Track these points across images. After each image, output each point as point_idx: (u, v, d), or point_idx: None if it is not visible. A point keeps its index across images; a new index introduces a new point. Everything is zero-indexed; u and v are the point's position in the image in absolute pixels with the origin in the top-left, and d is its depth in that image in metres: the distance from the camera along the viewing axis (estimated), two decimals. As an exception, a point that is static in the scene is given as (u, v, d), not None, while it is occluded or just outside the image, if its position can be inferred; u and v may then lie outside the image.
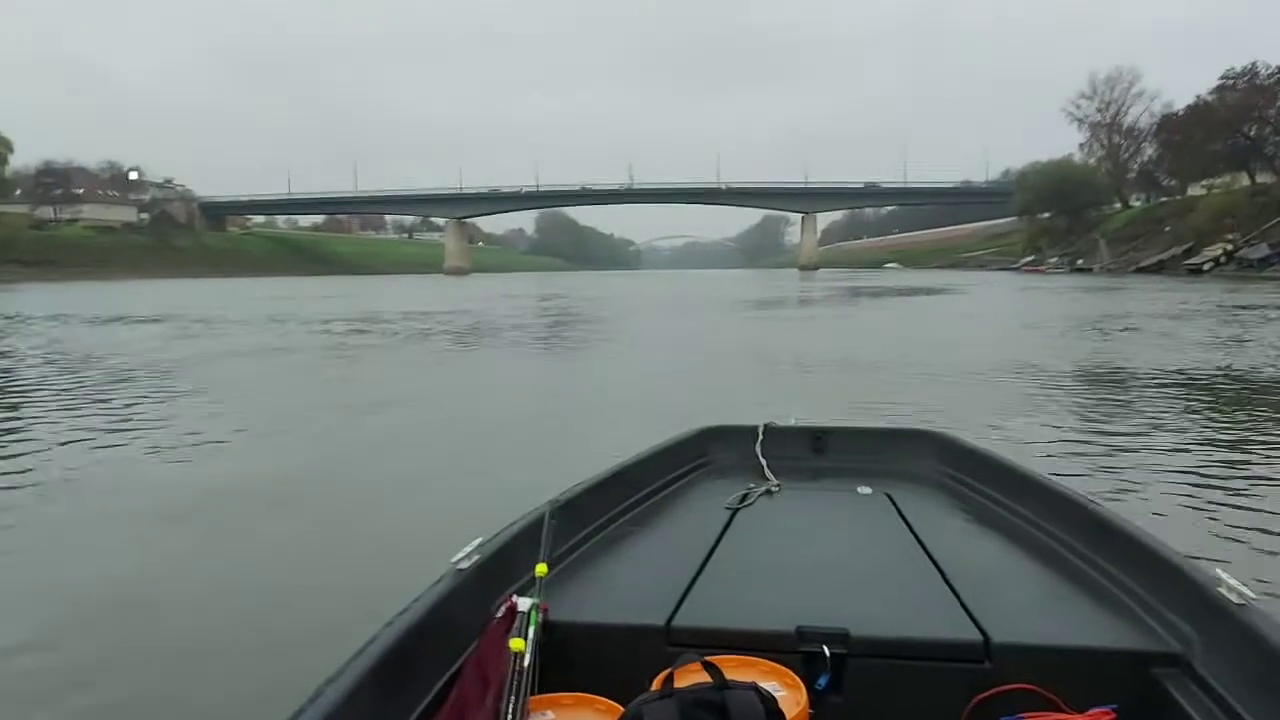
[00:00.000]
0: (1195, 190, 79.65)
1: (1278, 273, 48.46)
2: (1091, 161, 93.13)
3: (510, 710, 1.54)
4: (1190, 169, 74.77)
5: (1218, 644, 1.69)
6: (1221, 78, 70.17)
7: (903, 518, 2.62)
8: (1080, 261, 74.92)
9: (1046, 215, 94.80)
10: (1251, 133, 67.80)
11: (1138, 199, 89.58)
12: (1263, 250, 52.03)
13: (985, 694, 1.71)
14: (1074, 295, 33.88)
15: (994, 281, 54.74)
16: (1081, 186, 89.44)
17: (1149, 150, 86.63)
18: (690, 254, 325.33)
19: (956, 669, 1.78)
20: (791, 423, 3.55)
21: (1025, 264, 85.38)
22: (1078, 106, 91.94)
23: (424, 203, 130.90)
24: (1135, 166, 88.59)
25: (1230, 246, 56.09)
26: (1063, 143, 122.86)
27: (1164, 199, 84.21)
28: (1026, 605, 2.04)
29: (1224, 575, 1.76)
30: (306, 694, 1.44)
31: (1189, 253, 60.71)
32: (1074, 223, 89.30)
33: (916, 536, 2.44)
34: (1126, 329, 17.58)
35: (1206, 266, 55.62)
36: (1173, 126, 74.55)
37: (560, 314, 28.26)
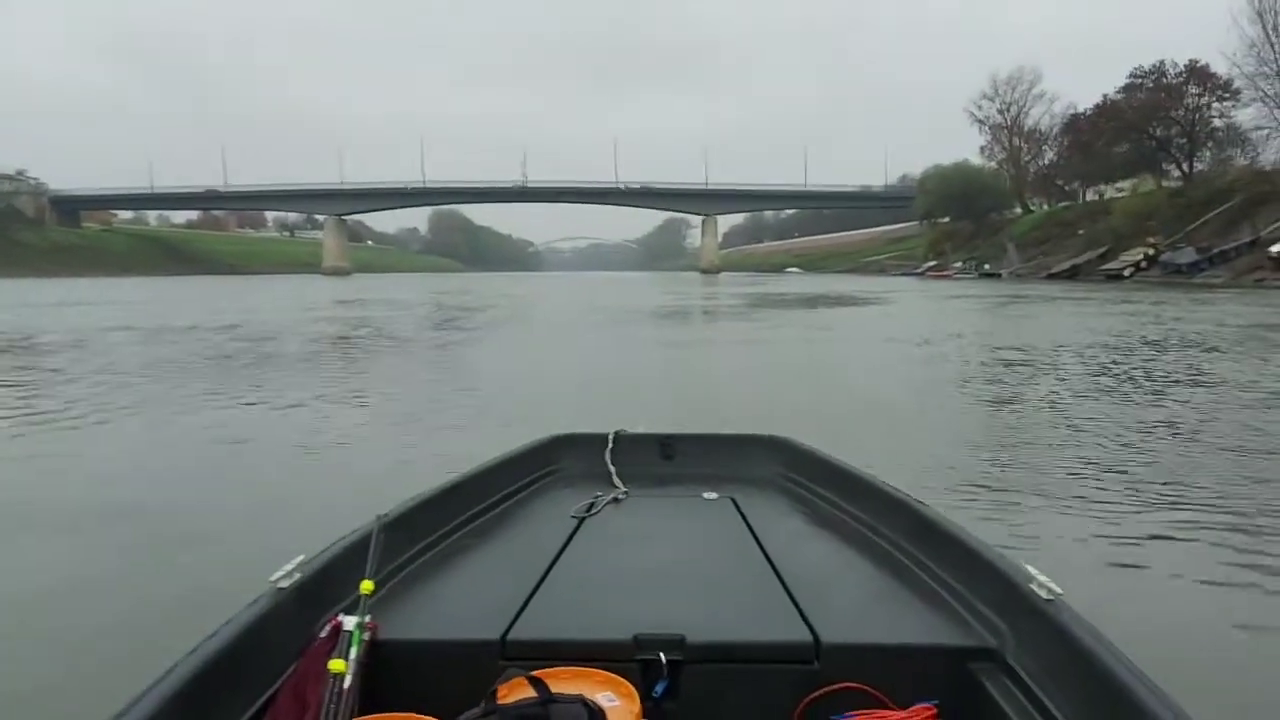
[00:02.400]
0: (1100, 194, 77.93)
1: (1209, 278, 45.04)
2: (993, 165, 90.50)
3: None
4: (1096, 171, 72.43)
5: (1027, 638, 1.75)
6: (1129, 76, 67.80)
7: (745, 522, 2.64)
8: (988, 266, 71.82)
9: (946, 220, 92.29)
10: (1158, 133, 65.32)
11: (1034, 204, 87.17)
12: (1189, 254, 48.62)
13: (814, 694, 1.75)
14: (1002, 307, 29.31)
15: (903, 288, 50.70)
16: (983, 190, 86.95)
17: (1049, 153, 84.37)
18: (592, 256, 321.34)
19: (788, 670, 1.79)
20: (642, 429, 3.50)
21: (928, 269, 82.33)
22: (979, 108, 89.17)
23: (301, 199, 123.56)
24: (1036, 170, 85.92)
25: (1152, 250, 52.83)
26: (962, 149, 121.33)
27: (1066, 203, 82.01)
28: (855, 606, 2.09)
29: (1034, 572, 1.81)
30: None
31: (1104, 257, 57.59)
32: (977, 227, 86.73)
33: (757, 540, 2.46)
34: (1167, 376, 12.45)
35: (1127, 272, 52.27)
36: (1080, 127, 71.77)
37: (375, 328, 22.18)
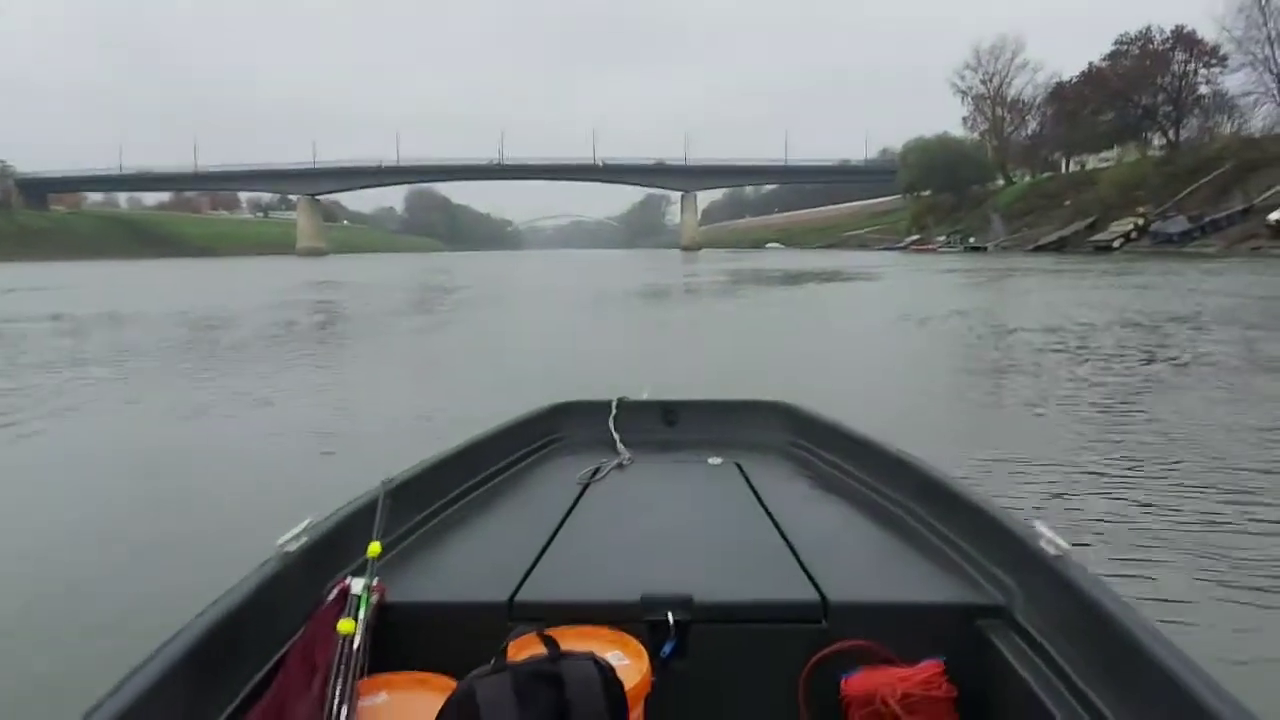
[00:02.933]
0: (1082, 164, 76.58)
1: (1201, 247, 43.77)
2: (975, 136, 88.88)
3: (338, 694, 1.48)
4: (1080, 141, 71.02)
5: (1036, 594, 1.73)
6: (1115, 43, 66.33)
7: (750, 486, 2.64)
8: (972, 240, 70.39)
9: (928, 193, 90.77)
10: (1144, 101, 63.90)
11: (1017, 175, 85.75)
12: (1181, 223, 47.32)
13: (823, 652, 1.75)
14: (998, 281, 27.86)
15: (889, 263, 49.15)
16: (965, 161, 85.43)
17: (1033, 123, 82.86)
18: (573, 234, 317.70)
19: (796, 630, 1.79)
20: (645, 397, 3.48)
21: (911, 243, 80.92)
22: (962, 78, 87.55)
23: (273, 178, 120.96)
24: (1019, 140, 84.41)
25: (1141, 221, 51.47)
26: (944, 121, 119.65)
27: (1048, 174, 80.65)
28: (862, 565, 2.09)
29: (1042, 529, 1.79)
30: (107, 687, 1.31)
31: (1092, 228, 56.24)
32: (960, 199, 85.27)
33: (762, 503, 2.46)
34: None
35: (1117, 243, 50.92)
36: (1065, 95, 70.21)
37: (334, 313, 20.41)
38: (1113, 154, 69.22)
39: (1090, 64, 68.31)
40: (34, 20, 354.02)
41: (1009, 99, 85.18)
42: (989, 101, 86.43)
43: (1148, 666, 1.37)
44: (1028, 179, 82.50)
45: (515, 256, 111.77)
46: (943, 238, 77.10)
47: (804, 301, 22.12)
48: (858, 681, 1.71)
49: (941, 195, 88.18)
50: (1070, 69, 74.78)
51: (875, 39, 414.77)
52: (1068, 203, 63.35)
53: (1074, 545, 1.74)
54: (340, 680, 1.51)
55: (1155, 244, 47.67)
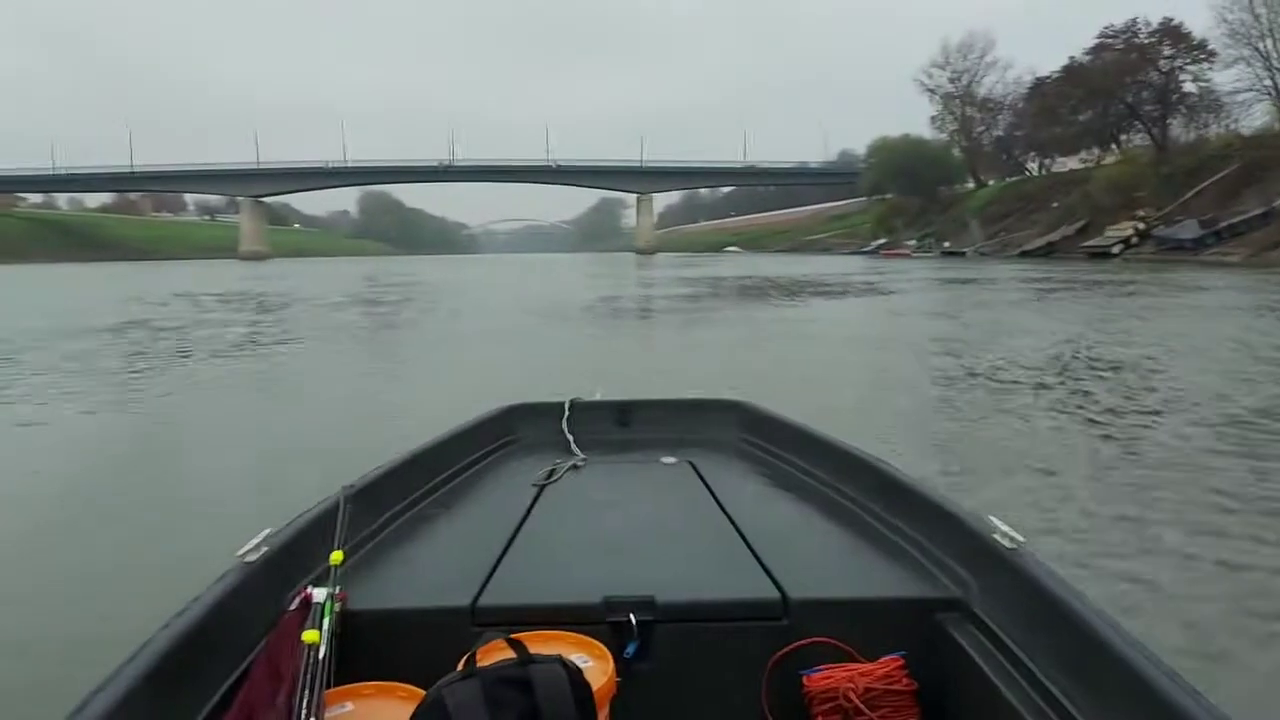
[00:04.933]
0: (1045, 166, 71.24)
1: (1221, 255, 37.67)
2: (943, 136, 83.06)
3: (304, 705, 1.43)
4: (1055, 141, 65.31)
5: (992, 587, 1.72)
6: (1099, 36, 60.36)
7: (705, 484, 2.59)
8: (948, 244, 64.48)
9: (889, 196, 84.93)
10: (1128, 98, 58.08)
11: (988, 178, 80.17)
12: (1192, 229, 41.15)
13: (785, 649, 1.73)
14: (1036, 298, 21.25)
15: (866, 270, 42.93)
16: (932, 163, 79.61)
17: (1004, 122, 77.18)
18: (528, 237, 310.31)
19: (757, 627, 1.77)
20: (597, 397, 3.42)
21: (880, 247, 74.91)
22: (929, 76, 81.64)
23: (215, 179, 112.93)
24: (990, 141, 78.68)
25: (1143, 225, 45.48)
26: (908, 124, 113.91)
27: (1019, 176, 75.10)
28: (821, 562, 2.06)
29: (997, 522, 1.79)
30: (69, 707, 1.28)
31: (1084, 232, 50.34)
32: (928, 202, 79.49)
33: (718, 502, 2.42)
34: None
35: (1116, 249, 44.86)
36: (1045, 92, 64.31)
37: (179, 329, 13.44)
38: (1092, 155, 63.47)
39: (1071, 59, 62.43)
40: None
41: (979, 98, 79.43)
42: (958, 101, 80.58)
43: (1104, 655, 1.38)
44: (1001, 181, 76.94)
45: (466, 261, 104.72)
46: (913, 241, 71.38)
47: (802, 329, 15.37)
48: (820, 678, 1.69)
49: (907, 198, 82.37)
50: (1042, 68, 69.06)
51: (835, 38, 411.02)
52: (1055, 205, 57.30)
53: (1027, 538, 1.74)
54: (307, 691, 1.44)
55: (1162, 250, 41.59)
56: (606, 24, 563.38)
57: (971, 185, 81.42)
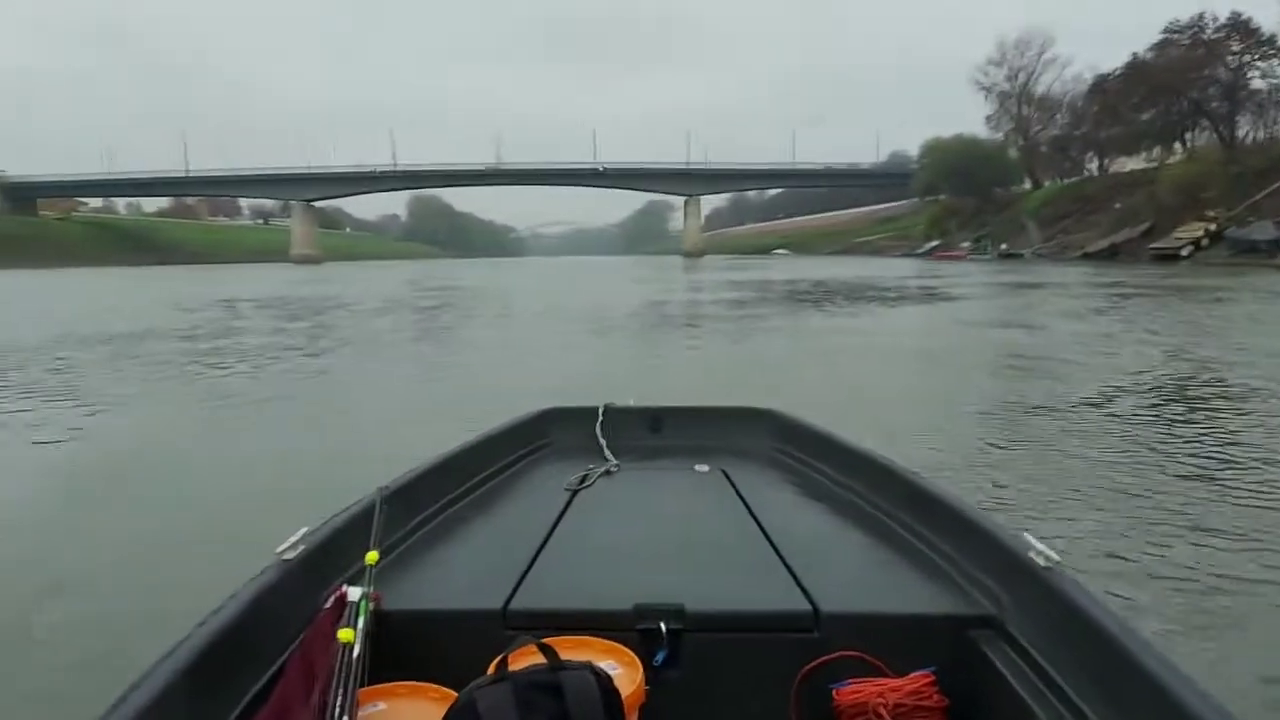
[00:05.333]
0: (1104, 167, 68.62)
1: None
2: (999, 136, 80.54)
3: (338, 703, 1.44)
4: (1117, 140, 62.82)
5: (1026, 605, 1.70)
6: (1163, 32, 57.86)
7: (738, 494, 2.57)
8: (1004, 246, 62.31)
9: (942, 197, 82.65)
10: (1194, 95, 55.48)
11: (1045, 179, 77.57)
12: (1268, 230, 38.83)
13: (815, 662, 1.72)
14: (1125, 307, 19.60)
15: (922, 273, 41.24)
16: (986, 163, 77.25)
17: (1061, 121, 74.55)
18: (575, 240, 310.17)
19: (787, 639, 1.76)
20: (630, 403, 3.40)
21: (934, 249, 72.82)
22: (985, 74, 79.22)
23: (267, 184, 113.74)
24: (1048, 140, 76.06)
25: (1214, 226, 43.19)
26: (962, 124, 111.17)
27: (1080, 176, 72.52)
28: (853, 576, 2.03)
29: (1032, 540, 1.77)
30: (109, 701, 1.29)
31: (1149, 234, 48.09)
32: (982, 203, 77.19)
33: (751, 512, 2.39)
34: None
35: (1185, 251, 42.58)
36: (1107, 89, 61.83)
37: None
38: (1154, 155, 60.88)
39: (1134, 55, 59.97)
40: (33, 21, 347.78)
41: (1036, 96, 76.92)
42: (1014, 99, 78.13)
43: (1139, 677, 1.35)
44: (1058, 181, 74.43)
45: (512, 264, 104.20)
46: (967, 243, 69.28)
47: (885, 344, 14.02)
48: (849, 692, 1.67)
49: (961, 199, 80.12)
50: (1103, 65, 66.65)
51: (888, 38, 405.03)
52: (1118, 206, 54.94)
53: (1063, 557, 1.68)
54: (341, 689, 1.45)
55: (1235, 253, 39.34)
56: (655, 27, 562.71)
57: (1028, 186, 78.99)
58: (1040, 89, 77.07)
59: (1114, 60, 68.26)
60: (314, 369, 11.18)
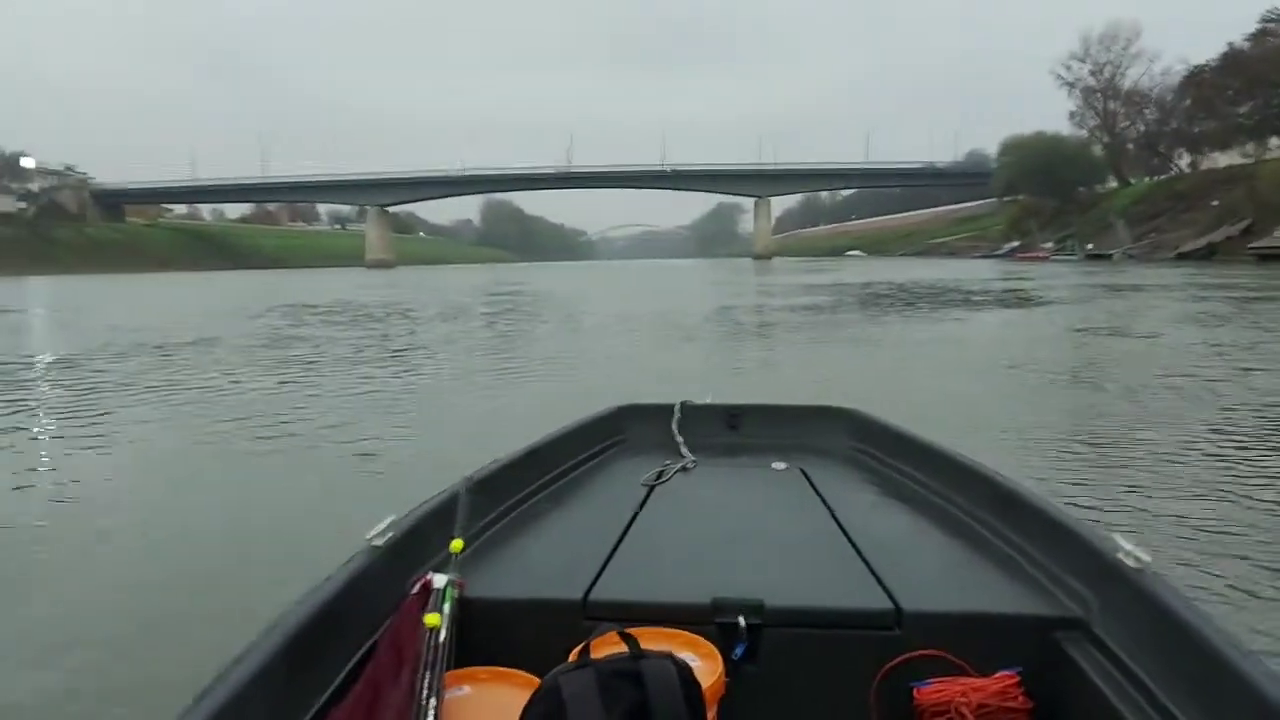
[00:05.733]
0: (1194, 164, 65.11)
1: None
2: (1083, 133, 77.27)
3: (426, 685, 1.48)
4: (1211, 136, 59.50)
5: (1115, 607, 1.66)
6: (1261, 20, 54.66)
7: (816, 492, 2.54)
8: (1090, 246, 59.43)
9: (1021, 197, 79.57)
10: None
11: (1131, 177, 74.08)
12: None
13: (895, 660, 1.69)
14: (1252, 311, 17.64)
15: (1015, 274, 39.06)
16: (1069, 162, 74.13)
17: (1150, 117, 71.09)
18: (644, 244, 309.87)
19: (868, 637, 1.73)
20: (708, 400, 3.36)
21: (1014, 250, 70.02)
22: (1068, 69, 76.11)
23: (341, 189, 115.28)
24: (1135, 137, 72.62)
25: (1325, 224, 40.27)
26: (1041, 120, 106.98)
27: (1163, 175, 69.11)
28: (935, 574, 1.99)
29: (1122, 541, 1.71)
30: (213, 674, 1.35)
31: (1248, 232, 45.16)
32: (1065, 202, 74.09)
33: (830, 510, 2.37)
34: None
35: (1291, 250, 39.85)
36: (1202, 82, 58.57)
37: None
38: (1250, 150, 57.41)
39: (1230, 45, 56.73)
40: (122, 33, 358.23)
41: (1123, 91, 73.47)
42: (1099, 94, 74.81)
43: (1233, 682, 1.32)
44: (1146, 179, 71.01)
45: (582, 268, 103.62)
46: (1050, 244, 66.42)
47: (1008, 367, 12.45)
48: (931, 691, 1.63)
49: (1042, 198, 77.05)
50: (1195, 57, 63.04)
51: (965, 35, 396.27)
52: (1215, 203, 51.88)
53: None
54: (428, 672, 1.49)
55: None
56: (726, 28, 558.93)
57: (1113, 184, 75.66)
58: (1127, 83, 73.87)
59: (1205, 53, 64.62)
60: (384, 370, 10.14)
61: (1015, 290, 26.53)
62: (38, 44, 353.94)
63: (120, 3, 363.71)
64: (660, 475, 2.70)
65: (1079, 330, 14.39)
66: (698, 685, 1.40)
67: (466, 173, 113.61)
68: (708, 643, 1.64)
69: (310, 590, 1.63)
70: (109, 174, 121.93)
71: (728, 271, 58.53)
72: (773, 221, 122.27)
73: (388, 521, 1.89)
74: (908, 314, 18.91)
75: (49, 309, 29.33)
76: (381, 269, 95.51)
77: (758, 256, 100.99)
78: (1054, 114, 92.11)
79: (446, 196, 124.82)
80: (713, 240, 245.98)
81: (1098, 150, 76.77)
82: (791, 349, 13.26)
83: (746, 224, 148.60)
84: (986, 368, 10.15)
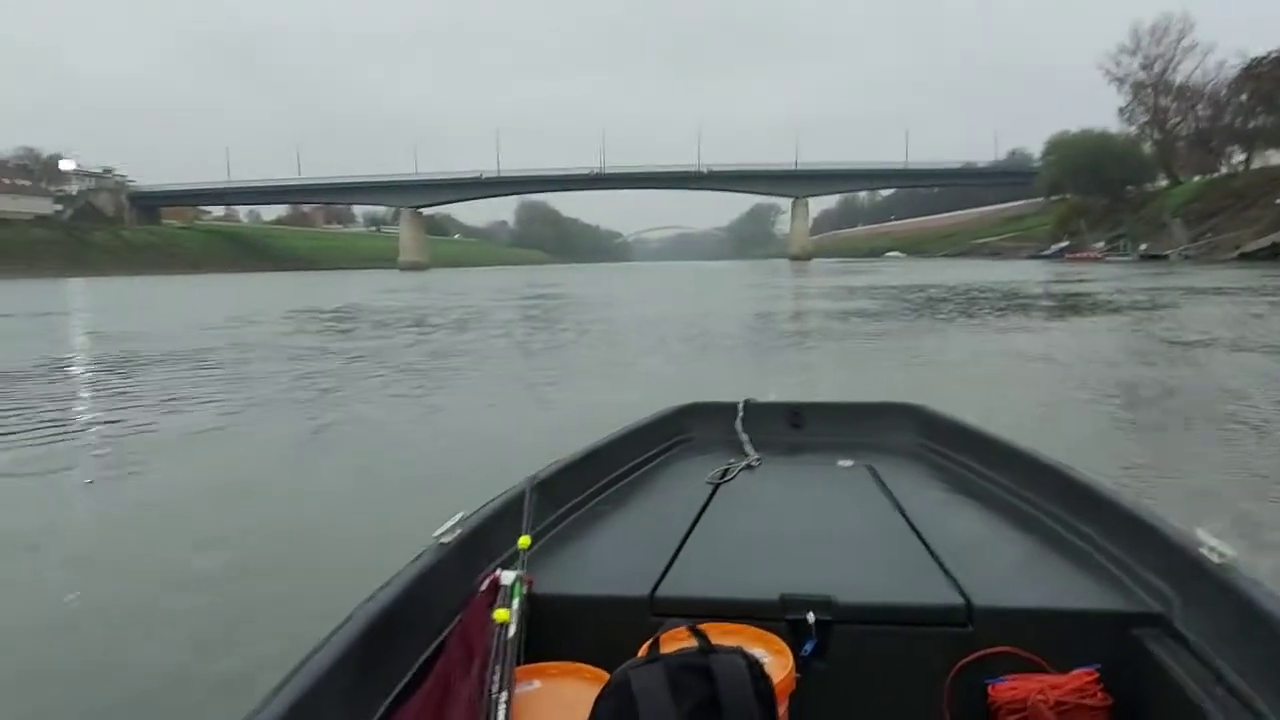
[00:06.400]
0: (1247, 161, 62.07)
1: None
2: (1133, 130, 74.21)
3: (496, 679, 1.49)
4: (1275, 131, 56.53)
5: (1197, 602, 1.62)
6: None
7: (883, 488, 2.52)
8: (1144, 246, 56.69)
9: (1067, 196, 76.68)
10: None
11: (1183, 174, 70.96)
12: None
13: (969, 657, 1.67)
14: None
15: (1066, 276, 36.82)
16: (1118, 159, 71.19)
17: (1204, 112, 68.02)
18: (680, 245, 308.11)
19: (940, 633, 1.71)
20: (771, 399, 3.32)
21: (1064, 250, 67.26)
22: (1117, 64, 73.11)
23: (374, 191, 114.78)
24: (1189, 133, 69.52)
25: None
26: (1087, 117, 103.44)
27: (1217, 172, 66.03)
28: (1008, 570, 1.96)
29: (1204, 535, 1.67)
30: (291, 664, 1.38)
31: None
32: (1114, 201, 71.15)
33: (898, 506, 2.34)
34: None
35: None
36: (1261, 75, 55.58)
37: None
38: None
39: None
40: (160, 36, 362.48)
41: (1175, 86, 70.41)
42: (1150, 90, 71.79)
43: None
44: (1199, 177, 67.93)
45: (617, 269, 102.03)
46: (1101, 244, 63.70)
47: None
48: (1006, 688, 1.61)
49: (1089, 197, 74.14)
50: (1253, 49, 60.00)
51: (1006, 30, 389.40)
52: (1279, 201, 49.03)
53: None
54: (499, 667, 1.50)
55: None
56: (760, 26, 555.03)
57: (1163, 182, 72.60)
58: (1179, 78, 70.79)
59: (1262, 46, 61.59)
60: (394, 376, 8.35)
61: (1082, 294, 24.27)
62: (78, 48, 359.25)
63: (164, 7, 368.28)
64: (725, 473, 2.66)
65: (1181, 344, 12.23)
66: (769, 681, 1.38)
67: (499, 174, 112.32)
68: (777, 639, 1.61)
69: (381, 587, 1.63)
70: (147, 176, 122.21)
71: (765, 274, 56.44)
72: (810, 222, 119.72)
73: (455, 519, 1.88)
74: (972, 323, 16.76)
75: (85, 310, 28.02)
76: (414, 271, 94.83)
77: (794, 258, 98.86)
78: (1098, 111, 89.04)
79: (480, 198, 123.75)
80: (749, 241, 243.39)
81: (1147, 147, 73.71)
82: (848, 369, 11.24)
83: (783, 225, 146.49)
84: (1093, 394, 8.11)
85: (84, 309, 29.18)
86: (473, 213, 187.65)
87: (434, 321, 19.89)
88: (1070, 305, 20.64)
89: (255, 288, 47.72)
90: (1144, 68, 72.18)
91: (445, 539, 1.84)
